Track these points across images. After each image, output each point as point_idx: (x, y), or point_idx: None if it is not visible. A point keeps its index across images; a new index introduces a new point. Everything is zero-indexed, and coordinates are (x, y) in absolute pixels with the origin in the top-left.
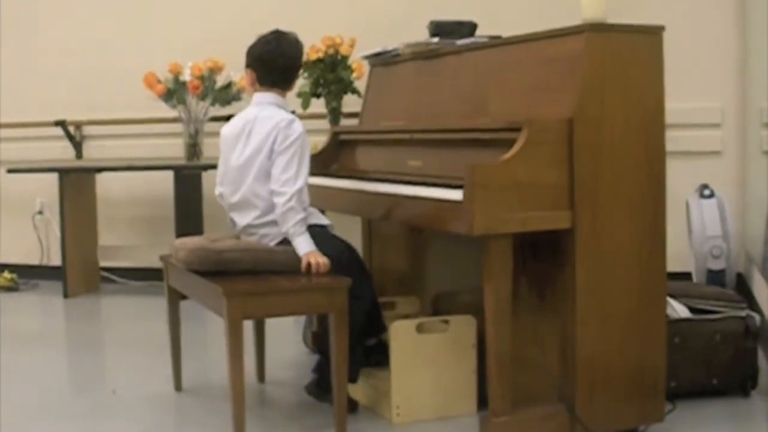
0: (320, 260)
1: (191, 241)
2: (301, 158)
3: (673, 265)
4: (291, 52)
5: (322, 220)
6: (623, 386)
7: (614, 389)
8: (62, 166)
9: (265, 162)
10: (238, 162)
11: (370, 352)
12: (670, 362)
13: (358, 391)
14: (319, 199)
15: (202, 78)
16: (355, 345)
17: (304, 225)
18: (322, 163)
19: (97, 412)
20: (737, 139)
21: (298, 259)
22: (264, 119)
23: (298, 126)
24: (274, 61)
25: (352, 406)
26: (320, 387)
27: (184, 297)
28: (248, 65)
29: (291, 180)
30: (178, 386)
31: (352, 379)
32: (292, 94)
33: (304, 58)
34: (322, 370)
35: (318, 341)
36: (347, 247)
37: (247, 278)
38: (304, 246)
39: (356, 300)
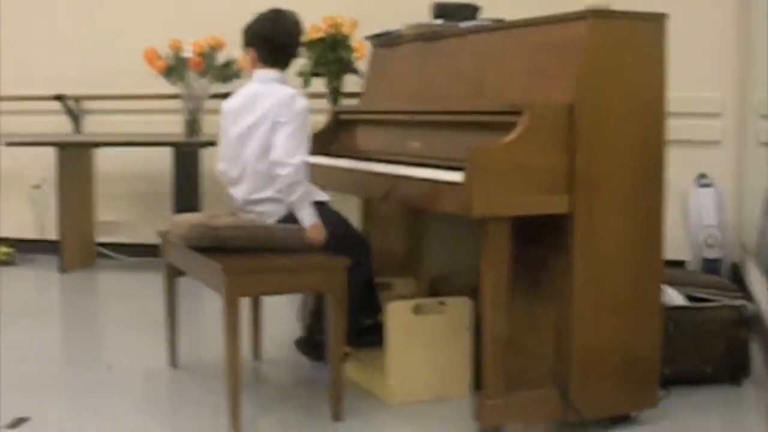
0: (321, 237)
1: (190, 218)
2: (303, 131)
3: (669, 253)
4: (291, 31)
5: (321, 195)
6: (617, 372)
7: (608, 375)
8: (60, 141)
9: (267, 134)
10: (238, 132)
11: (367, 332)
12: (665, 349)
13: (353, 370)
14: (319, 178)
15: (202, 55)
16: (355, 314)
17: (309, 197)
18: (321, 142)
19: (93, 388)
20: (736, 130)
21: (297, 237)
22: (267, 93)
23: (302, 100)
24: (275, 40)
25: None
26: (308, 342)
27: (180, 273)
28: (248, 44)
29: (295, 150)
30: (173, 362)
31: (352, 342)
32: (292, 73)
33: (305, 37)
34: (312, 327)
35: (316, 300)
36: (345, 221)
37: (246, 256)
38: (310, 217)
39: (356, 267)
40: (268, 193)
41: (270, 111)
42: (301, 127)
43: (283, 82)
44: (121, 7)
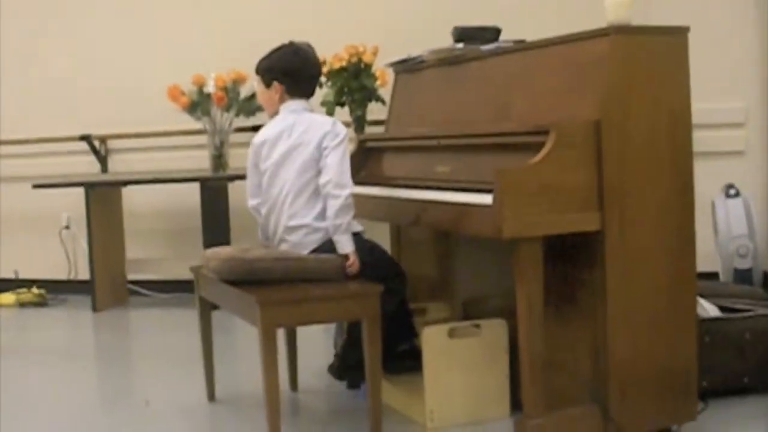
0: (357, 264)
1: (223, 251)
2: (348, 157)
3: (700, 265)
4: (316, 62)
5: (356, 227)
6: (655, 386)
7: (646, 389)
8: (88, 180)
9: (311, 156)
10: (273, 161)
11: (403, 357)
12: (701, 361)
13: (391, 396)
14: None
15: (225, 89)
16: (390, 340)
17: (351, 224)
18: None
19: (132, 424)
20: (762, 139)
21: (331, 266)
22: (303, 122)
23: (343, 126)
24: (302, 72)
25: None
26: (341, 367)
27: (215, 307)
28: (274, 78)
29: (347, 173)
30: (211, 396)
31: (388, 369)
32: (315, 103)
33: (327, 67)
34: (345, 351)
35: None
36: (377, 248)
37: (280, 287)
38: (350, 245)
39: (389, 293)
40: (307, 219)
41: (313, 137)
42: (347, 153)
43: (312, 110)
44: (143, 45)
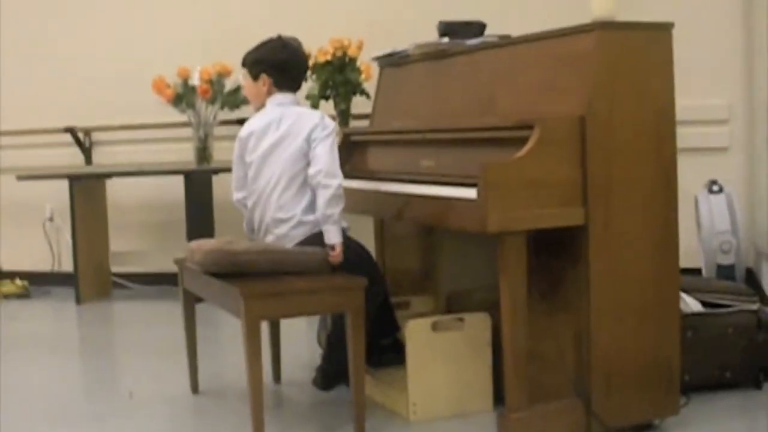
0: (340, 258)
1: (207, 244)
2: (336, 150)
3: (683, 261)
4: (303, 57)
5: (342, 222)
6: (638, 380)
7: (629, 383)
8: (72, 173)
9: (300, 147)
10: (260, 153)
11: (386, 350)
12: (684, 356)
13: (375, 389)
14: None
15: (210, 82)
16: (373, 335)
17: (340, 216)
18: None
19: (115, 415)
20: (745, 135)
21: (315, 259)
22: (291, 114)
23: (330, 119)
24: (291, 66)
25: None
26: (325, 375)
27: (199, 300)
28: (263, 71)
29: (337, 165)
30: (194, 388)
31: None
32: (301, 96)
33: (312, 60)
34: (326, 359)
35: (328, 333)
36: (362, 249)
37: (264, 279)
38: (338, 236)
39: (371, 288)
40: (295, 211)
41: (302, 129)
42: (336, 145)
43: (299, 104)
44: (128, 36)
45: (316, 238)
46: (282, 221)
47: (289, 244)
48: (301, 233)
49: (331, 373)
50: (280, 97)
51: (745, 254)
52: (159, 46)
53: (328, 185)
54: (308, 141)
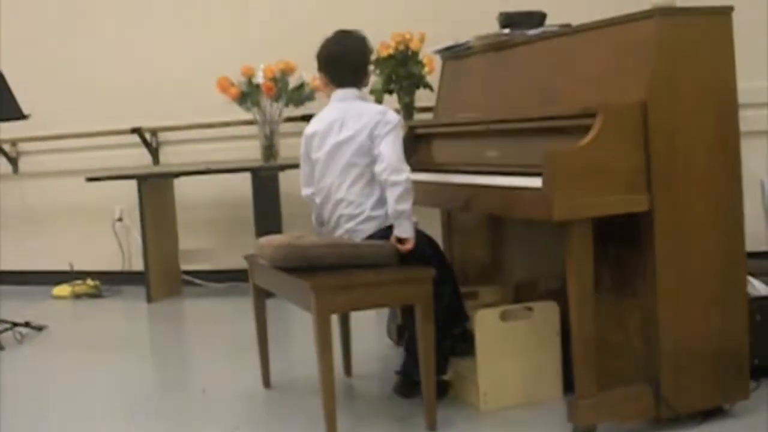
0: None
1: (277, 239)
2: (401, 143)
3: (749, 245)
4: (358, 49)
5: (412, 216)
6: (707, 365)
7: (698, 369)
8: (140, 173)
9: (365, 143)
10: (326, 150)
11: (456, 340)
12: (753, 340)
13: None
14: None
15: (274, 79)
16: (440, 339)
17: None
18: None
19: (189, 412)
20: None
21: (384, 252)
22: (354, 110)
23: (394, 113)
24: (343, 61)
25: (444, 388)
26: (406, 385)
27: (269, 295)
28: (319, 69)
29: (403, 160)
30: (266, 383)
31: (441, 371)
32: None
33: (375, 55)
34: (406, 368)
35: (401, 338)
36: (431, 242)
37: (334, 273)
38: (411, 230)
39: (436, 295)
40: (363, 207)
41: (365, 126)
42: (400, 139)
43: (364, 98)
44: (192, 36)
45: (385, 233)
46: (351, 217)
47: (358, 239)
48: (371, 228)
49: (411, 380)
50: (341, 93)
51: None
52: (222, 46)
53: (396, 182)
54: (371, 137)
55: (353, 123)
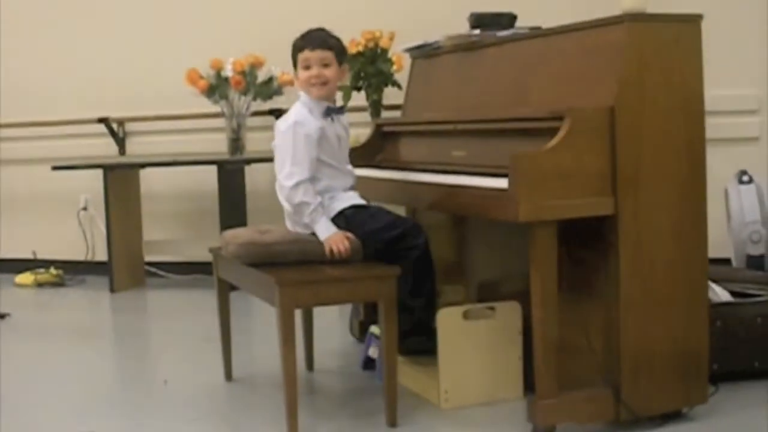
0: (341, 246)
1: (241, 234)
2: (288, 152)
3: (712, 251)
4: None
5: (356, 200)
6: (667, 369)
7: (658, 372)
8: (106, 162)
9: None
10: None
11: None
12: (713, 345)
13: (406, 376)
14: (364, 189)
15: (243, 73)
16: (412, 293)
17: (318, 213)
18: (366, 154)
19: (150, 403)
20: None
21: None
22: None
23: (287, 120)
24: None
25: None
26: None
27: (233, 288)
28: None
29: (288, 175)
30: (228, 376)
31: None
32: None
33: None
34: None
35: (364, 334)
36: (380, 212)
37: (298, 268)
38: (322, 232)
39: (409, 249)
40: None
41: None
42: (286, 148)
43: (304, 102)
44: (162, 28)
45: (340, 221)
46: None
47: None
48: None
49: (421, 328)
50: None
51: None
52: (192, 38)
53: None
54: None
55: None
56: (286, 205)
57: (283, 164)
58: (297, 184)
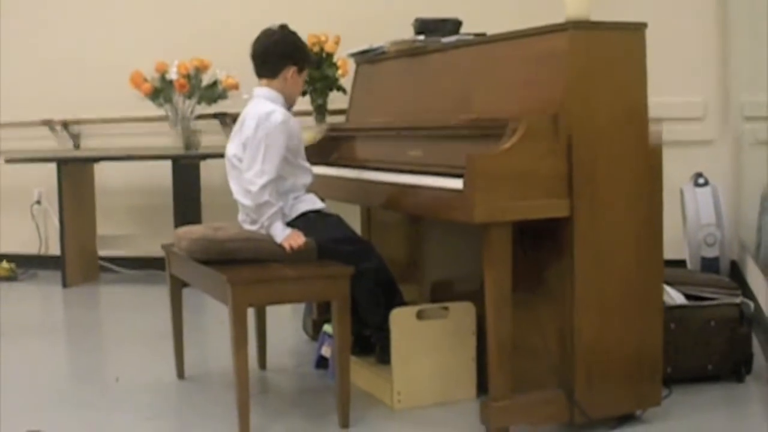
0: (299, 241)
1: (194, 231)
2: (268, 150)
3: (667, 253)
4: (264, 42)
5: (317, 204)
6: (621, 371)
7: (612, 374)
8: (60, 156)
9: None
10: (231, 153)
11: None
12: (666, 348)
13: (359, 376)
14: (319, 187)
15: (188, 76)
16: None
17: (277, 216)
18: (321, 152)
19: (101, 400)
20: (729, 129)
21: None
22: (252, 112)
23: (277, 117)
24: (255, 54)
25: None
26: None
27: (185, 285)
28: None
29: (259, 173)
30: (180, 374)
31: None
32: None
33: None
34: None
35: (317, 333)
36: (339, 222)
37: (251, 266)
38: (279, 235)
39: (360, 274)
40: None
41: (251, 130)
42: (265, 146)
43: (272, 99)
44: (107, 30)
45: (298, 222)
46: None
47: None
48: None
49: (361, 337)
50: (256, 90)
51: (729, 247)
52: (137, 41)
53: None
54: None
55: (248, 127)
56: (245, 201)
57: (254, 160)
58: (265, 185)
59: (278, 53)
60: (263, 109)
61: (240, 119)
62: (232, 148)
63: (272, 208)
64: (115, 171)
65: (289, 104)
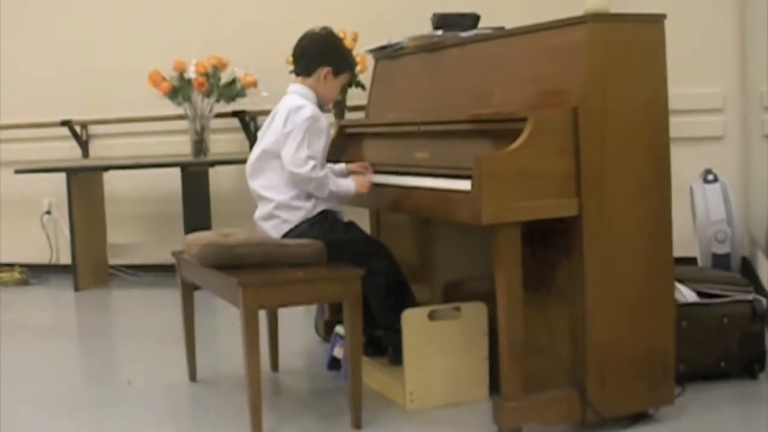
0: (365, 186)
1: (204, 237)
2: (308, 141)
3: (678, 250)
4: (304, 42)
5: (335, 206)
6: (633, 370)
7: (624, 373)
8: (69, 166)
9: (277, 143)
10: (261, 148)
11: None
12: (679, 346)
13: (371, 377)
14: None
15: (206, 75)
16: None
17: (334, 179)
18: (330, 154)
19: (113, 403)
20: (739, 124)
21: (311, 252)
22: (283, 105)
23: (307, 111)
24: (294, 52)
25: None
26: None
27: (196, 287)
28: None
29: (304, 159)
30: (192, 376)
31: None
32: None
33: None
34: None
35: (329, 334)
36: (352, 227)
37: (262, 269)
38: (351, 187)
39: (372, 274)
40: (279, 209)
41: (282, 123)
42: (306, 136)
43: (304, 95)
44: (124, 30)
45: (312, 224)
46: (271, 216)
47: (283, 232)
48: (296, 217)
49: (376, 337)
50: (290, 86)
51: (740, 243)
52: (155, 40)
53: (302, 181)
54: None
55: (278, 121)
56: (275, 196)
57: (300, 147)
58: (315, 166)
59: (315, 52)
60: (294, 103)
61: (272, 113)
62: (262, 144)
63: (328, 177)
64: (124, 179)
65: (321, 104)
